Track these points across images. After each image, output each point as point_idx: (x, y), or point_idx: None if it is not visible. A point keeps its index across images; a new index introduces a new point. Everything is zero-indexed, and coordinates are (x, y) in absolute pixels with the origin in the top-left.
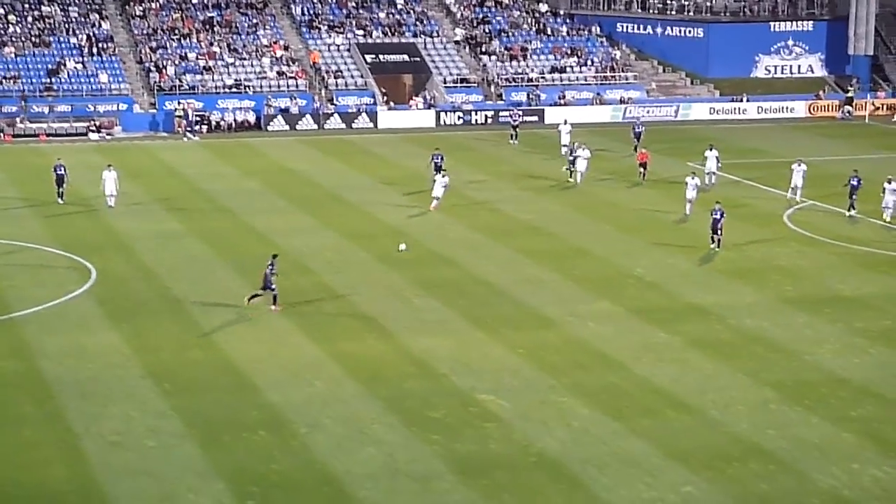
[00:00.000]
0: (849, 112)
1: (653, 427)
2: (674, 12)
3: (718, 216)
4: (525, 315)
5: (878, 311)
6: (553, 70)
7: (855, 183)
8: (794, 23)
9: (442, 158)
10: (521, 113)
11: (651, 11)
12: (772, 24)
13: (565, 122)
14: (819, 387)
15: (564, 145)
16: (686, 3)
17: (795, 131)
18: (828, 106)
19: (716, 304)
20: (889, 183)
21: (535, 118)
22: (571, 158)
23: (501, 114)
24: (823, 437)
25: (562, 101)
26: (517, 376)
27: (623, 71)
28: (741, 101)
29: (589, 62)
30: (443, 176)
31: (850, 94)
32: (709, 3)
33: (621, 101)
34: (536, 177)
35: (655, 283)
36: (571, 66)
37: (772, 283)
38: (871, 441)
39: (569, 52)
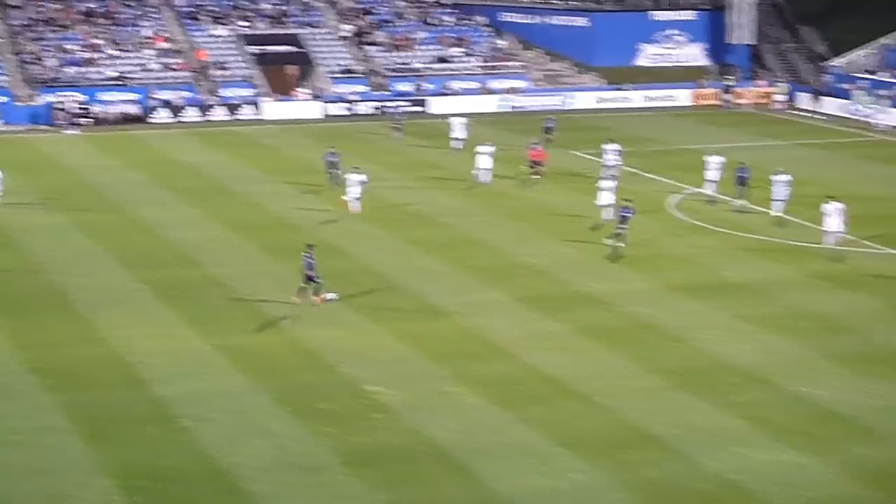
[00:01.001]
0: (729, 100)
1: (543, 415)
2: (559, 1)
3: (630, 214)
4: (415, 305)
5: (764, 297)
6: (438, 60)
7: (743, 174)
8: (676, 12)
9: (336, 156)
10: (403, 107)
11: (536, 1)
12: (654, 13)
13: (459, 115)
14: (707, 373)
15: (457, 138)
16: None
17: (679, 119)
18: (710, 94)
19: (605, 292)
20: (777, 175)
21: (420, 109)
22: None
23: (388, 104)
24: (711, 423)
25: (447, 92)
26: (408, 367)
27: (509, 61)
28: (626, 89)
29: (474, 52)
30: (358, 174)
31: (729, 83)
32: None
33: (507, 91)
34: (426, 167)
35: (546, 271)
36: (457, 57)
37: (660, 270)
38: (758, 425)
39: (454, 42)
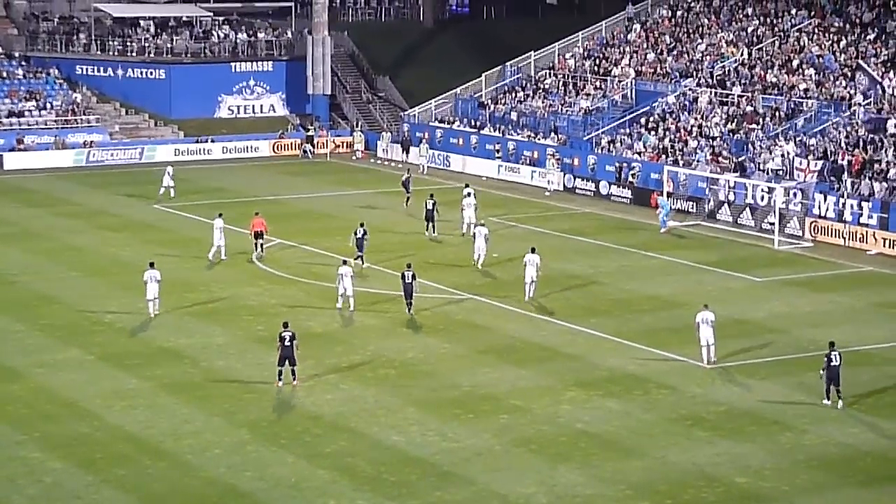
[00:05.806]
0: (311, 150)
1: (128, 476)
2: (134, 54)
3: (411, 279)
4: None
5: (347, 346)
6: (10, 114)
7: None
8: (255, 63)
9: None
10: None
11: (111, 53)
12: (233, 64)
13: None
14: (293, 425)
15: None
16: (147, 45)
17: (260, 170)
18: (291, 144)
19: (188, 346)
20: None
21: None
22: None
23: None
24: (299, 475)
25: (20, 147)
26: None
27: (85, 114)
28: (206, 141)
29: (48, 105)
30: None
31: (310, 133)
32: (169, 45)
33: (84, 145)
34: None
35: (126, 328)
36: (30, 110)
37: (242, 322)
38: (345, 475)
39: (26, 95)
